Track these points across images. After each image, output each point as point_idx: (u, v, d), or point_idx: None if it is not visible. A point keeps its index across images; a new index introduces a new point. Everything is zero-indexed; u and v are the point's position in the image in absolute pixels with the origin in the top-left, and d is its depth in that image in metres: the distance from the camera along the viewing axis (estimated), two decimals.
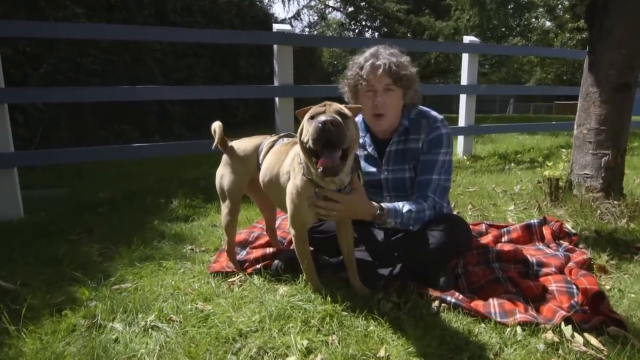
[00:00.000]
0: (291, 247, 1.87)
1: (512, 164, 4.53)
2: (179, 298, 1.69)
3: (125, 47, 6.81)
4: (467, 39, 4.88)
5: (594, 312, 1.52)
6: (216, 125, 1.96)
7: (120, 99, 3.69)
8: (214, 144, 1.97)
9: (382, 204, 1.71)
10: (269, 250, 2.13)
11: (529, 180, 3.58)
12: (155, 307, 1.62)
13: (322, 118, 1.41)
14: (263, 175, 1.83)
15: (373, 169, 1.97)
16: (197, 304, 1.62)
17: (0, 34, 3.86)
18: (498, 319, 1.51)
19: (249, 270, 1.98)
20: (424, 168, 1.86)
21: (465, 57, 4.87)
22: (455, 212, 2.72)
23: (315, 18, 15.39)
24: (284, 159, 1.74)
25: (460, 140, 5.14)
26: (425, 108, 1.97)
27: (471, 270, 1.89)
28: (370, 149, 1.98)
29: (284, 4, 14.94)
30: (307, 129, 1.48)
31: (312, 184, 1.59)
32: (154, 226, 2.73)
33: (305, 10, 14.92)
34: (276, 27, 3.86)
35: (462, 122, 5.01)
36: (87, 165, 5.05)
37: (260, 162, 1.89)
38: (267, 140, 1.93)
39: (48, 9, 5.13)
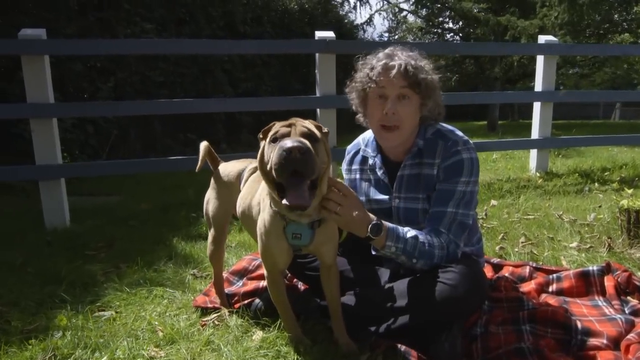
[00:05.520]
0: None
1: (596, 184, 3.82)
2: (140, 337, 1.54)
3: (194, 59, 7.08)
4: (542, 38, 4.25)
5: None
6: (202, 146, 1.80)
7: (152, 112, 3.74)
8: (198, 166, 1.80)
9: (382, 220, 1.41)
10: (263, 283, 1.91)
11: (609, 207, 2.95)
12: (113, 346, 1.49)
13: (288, 144, 1.16)
14: (238, 206, 1.62)
15: (383, 197, 1.67)
16: (149, 349, 1.45)
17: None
18: None
19: (237, 306, 1.78)
20: (438, 199, 1.54)
21: (540, 59, 4.25)
22: (498, 247, 2.29)
23: (392, 23, 14.94)
24: (257, 188, 1.52)
25: (533, 154, 4.49)
26: (447, 127, 1.62)
27: (493, 332, 1.50)
28: (380, 173, 1.68)
29: (355, 10, 14.64)
30: (269, 154, 1.25)
31: (280, 217, 1.35)
32: (171, 244, 2.67)
33: (382, 15, 14.48)
34: (318, 34, 3.66)
35: (535, 134, 4.37)
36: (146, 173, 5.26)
37: (241, 189, 1.68)
38: (249, 165, 1.71)
39: (119, 26, 5.47)
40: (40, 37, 3.07)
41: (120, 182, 4.91)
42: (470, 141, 1.58)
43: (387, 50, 1.57)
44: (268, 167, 1.25)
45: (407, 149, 1.61)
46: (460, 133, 1.59)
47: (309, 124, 1.30)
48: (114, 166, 3.75)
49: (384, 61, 1.52)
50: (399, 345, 1.39)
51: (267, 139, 1.28)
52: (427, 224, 1.53)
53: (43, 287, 2.04)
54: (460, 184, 1.52)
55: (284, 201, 1.21)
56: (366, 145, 1.75)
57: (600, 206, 3.03)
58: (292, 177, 1.20)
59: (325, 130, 1.34)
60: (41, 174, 3.21)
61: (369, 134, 1.77)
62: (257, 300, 1.71)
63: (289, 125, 1.28)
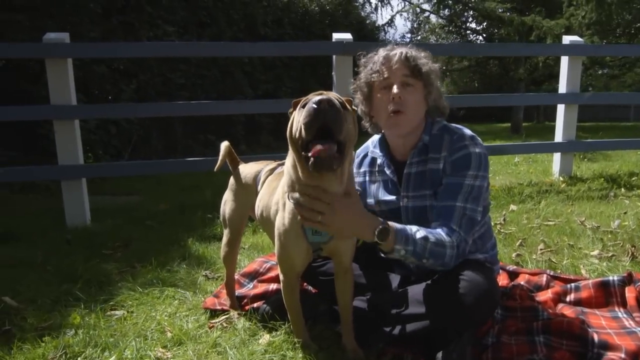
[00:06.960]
0: None
1: (622, 190, 3.68)
2: (149, 337, 1.56)
3: (215, 61, 7.17)
4: (567, 39, 4.13)
5: None
6: (223, 146, 1.81)
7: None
8: (217, 166, 1.81)
9: (389, 222, 1.37)
10: (273, 286, 1.92)
11: (634, 214, 2.83)
12: (122, 346, 1.51)
13: (317, 98, 1.18)
14: (257, 209, 1.61)
15: (391, 197, 1.64)
16: (157, 350, 1.46)
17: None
18: None
19: (246, 309, 1.79)
20: (445, 192, 1.49)
21: (564, 60, 4.13)
22: (515, 254, 2.23)
23: (413, 24, 14.80)
24: (275, 187, 1.51)
25: (557, 157, 4.37)
26: (454, 125, 1.60)
27: (505, 342, 1.46)
28: (389, 172, 1.65)
29: (376, 11, 14.58)
30: (298, 119, 1.23)
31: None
32: (186, 244, 2.70)
33: (403, 16, 14.36)
34: (335, 36, 3.65)
35: (559, 137, 4.24)
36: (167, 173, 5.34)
37: (258, 192, 1.68)
38: (266, 167, 1.71)
39: (142, 29, 5.58)
40: (64, 40, 3.16)
41: (141, 182, 5.00)
42: (479, 138, 1.55)
43: (387, 47, 1.61)
44: (296, 131, 1.23)
45: (413, 144, 1.59)
46: (468, 130, 1.56)
47: (339, 97, 1.29)
48: (133, 167, 3.83)
49: (384, 53, 1.55)
50: (406, 354, 1.37)
51: (297, 108, 1.28)
52: (437, 219, 1.47)
53: (60, 285, 2.09)
54: (469, 178, 1.47)
55: (310, 155, 1.19)
56: (374, 147, 1.74)
57: (625, 213, 2.92)
58: (319, 138, 1.19)
59: (354, 107, 1.34)
60: (63, 174, 3.30)
61: (377, 136, 1.76)
62: (265, 305, 1.70)
63: (320, 94, 1.26)
